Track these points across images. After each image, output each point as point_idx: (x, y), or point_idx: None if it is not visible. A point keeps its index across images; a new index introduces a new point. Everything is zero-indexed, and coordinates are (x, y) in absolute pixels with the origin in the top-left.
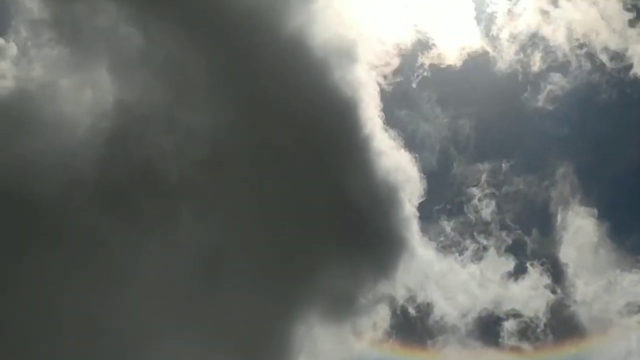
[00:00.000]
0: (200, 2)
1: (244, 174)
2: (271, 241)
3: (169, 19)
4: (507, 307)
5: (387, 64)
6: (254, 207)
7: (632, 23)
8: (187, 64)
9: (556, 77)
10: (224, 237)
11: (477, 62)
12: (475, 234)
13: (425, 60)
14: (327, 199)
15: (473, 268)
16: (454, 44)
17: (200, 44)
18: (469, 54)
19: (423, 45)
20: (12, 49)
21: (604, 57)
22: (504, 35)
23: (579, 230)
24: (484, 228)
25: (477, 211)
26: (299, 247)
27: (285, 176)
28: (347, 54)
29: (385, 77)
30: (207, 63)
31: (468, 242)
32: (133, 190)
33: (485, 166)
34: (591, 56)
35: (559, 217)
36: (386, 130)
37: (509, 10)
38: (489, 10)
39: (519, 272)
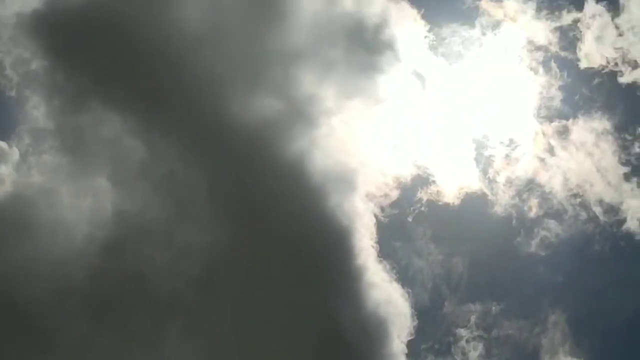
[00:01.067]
0: (205, 121)
1: (235, 295)
2: None
3: (173, 135)
4: None
5: (385, 196)
6: (242, 329)
7: (627, 177)
8: (188, 181)
9: (550, 224)
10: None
11: (474, 203)
12: None
13: (423, 195)
14: (316, 326)
15: None
16: (453, 182)
17: (202, 161)
18: (467, 194)
19: (422, 180)
20: (14, 155)
21: (597, 209)
22: (501, 179)
23: None
24: None
25: (464, 353)
26: None
27: (276, 300)
28: (346, 182)
29: (382, 208)
30: (208, 181)
31: None
32: (123, 302)
33: (476, 307)
34: (585, 207)
35: None
36: (380, 262)
37: (507, 155)
38: (487, 153)
39: None
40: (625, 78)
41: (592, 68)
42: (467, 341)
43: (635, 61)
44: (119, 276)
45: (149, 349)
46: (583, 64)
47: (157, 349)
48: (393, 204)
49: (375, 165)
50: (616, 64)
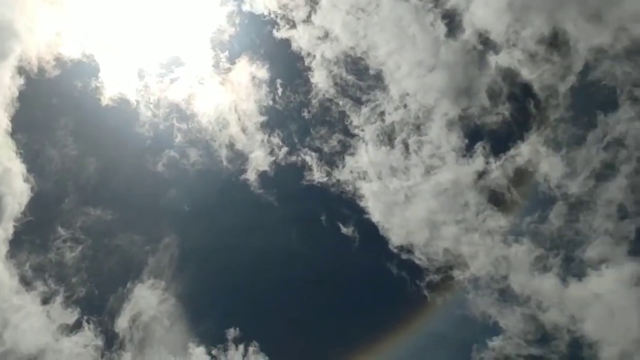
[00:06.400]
0: None
1: None
2: None
3: None
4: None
5: (40, 71)
6: None
7: (262, 126)
8: None
9: (184, 151)
10: None
11: (125, 111)
12: (47, 275)
13: (79, 84)
14: None
15: (35, 309)
16: (112, 83)
17: None
18: (121, 100)
19: (87, 69)
20: None
21: (226, 152)
22: (155, 96)
23: (143, 300)
24: (60, 271)
25: (60, 252)
26: None
27: None
28: None
29: (31, 84)
30: None
31: (40, 282)
32: None
33: (96, 212)
34: (216, 145)
35: (129, 285)
36: (10, 138)
37: (165, 75)
38: (150, 68)
39: (75, 326)
40: (281, 33)
41: (255, 14)
42: (65, 241)
43: (294, 21)
44: None
45: None
46: (246, 7)
47: None
48: (47, 82)
49: (40, 36)
50: (276, 16)
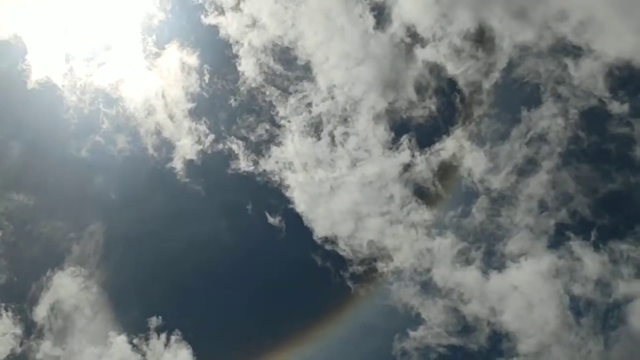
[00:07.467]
0: None
1: None
2: None
3: None
4: None
5: None
6: None
7: (191, 114)
8: None
9: (116, 137)
10: None
11: (51, 94)
12: None
13: (4, 65)
14: None
15: None
16: (39, 66)
17: None
18: (47, 84)
19: (15, 51)
20: None
21: (150, 139)
22: (83, 81)
23: (64, 289)
24: None
25: None
26: None
27: None
28: None
29: None
30: None
31: None
32: None
33: (17, 197)
34: (147, 133)
35: (49, 273)
36: None
37: (91, 58)
38: (73, 52)
39: None
40: (209, 19)
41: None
42: None
43: (222, 7)
44: None
45: None
46: None
47: None
48: None
49: None
50: (205, 2)
